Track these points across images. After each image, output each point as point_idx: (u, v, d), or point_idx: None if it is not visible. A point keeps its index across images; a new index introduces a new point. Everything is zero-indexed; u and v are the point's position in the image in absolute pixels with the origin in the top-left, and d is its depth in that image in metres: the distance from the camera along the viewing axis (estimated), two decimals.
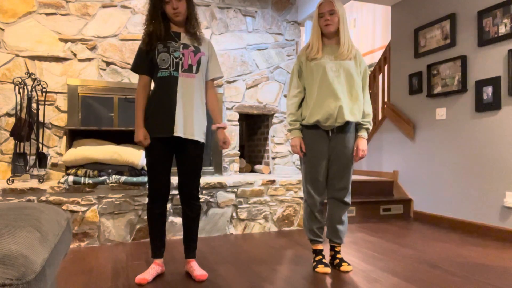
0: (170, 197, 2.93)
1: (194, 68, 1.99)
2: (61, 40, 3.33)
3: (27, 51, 3.23)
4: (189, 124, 1.97)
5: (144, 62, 2.01)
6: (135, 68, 2.04)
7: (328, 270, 2.07)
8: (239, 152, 3.94)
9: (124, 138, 3.13)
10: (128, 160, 2.80)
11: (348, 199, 2.16)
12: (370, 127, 2.18)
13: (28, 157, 3.02)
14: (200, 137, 2.01)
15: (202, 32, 2.09)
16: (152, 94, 2.02)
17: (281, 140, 4.13)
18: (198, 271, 1.99)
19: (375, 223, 3.49)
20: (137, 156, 2.83)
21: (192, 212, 2.06)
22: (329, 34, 2.13)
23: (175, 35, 2.02)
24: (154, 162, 2.00)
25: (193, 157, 2.02)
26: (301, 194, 3.34)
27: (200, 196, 3.03)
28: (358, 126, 2.18)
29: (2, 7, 3.17)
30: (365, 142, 2.16)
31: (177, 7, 1.93)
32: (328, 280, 1.96)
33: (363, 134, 2.15)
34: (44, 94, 3.16)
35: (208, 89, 2.13)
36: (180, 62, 1.96)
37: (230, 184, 3.12)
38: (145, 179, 2.84)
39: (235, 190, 3.14)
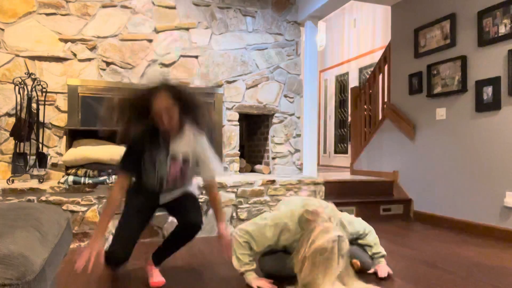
0: None
1: (179, 182, 1.91)
2: (61, 40, 3.33)
3: (27, 51, 3.23)
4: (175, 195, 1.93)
5: (131, 163, 1.81)
6: (123, 167, 1.82)
7: None
8: (239, 152, 3.95)
9: None
10: None
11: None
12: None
13: (28, 157, 3.02)
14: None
15: (202, 130, 1.79)
16: (134, 185, 1.90)
17: (281, 140, 4.13)
18: (155, 278, 1.88)
19: (375, 223, 3.48)
20: None
21: (194, 232, 1.88)
22: None
23: (163, 137, 1.78)
24: (130, 210, 1.87)
25: (185, 197, 1.94)
26: (301, 194, 3.34)
27: (200, 196, 3.03)
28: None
29: (2, 7, 3.17)
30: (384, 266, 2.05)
31: (167, 120, 1.66)
32: None
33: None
34: (44, 94, 3.16)
35: (208, 189, 1.98)
36: (165, 181, 1.85)
37: (230, 184, 3.12)
38: None
39: (235, 190, 3.14)
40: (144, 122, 1.73)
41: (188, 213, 1.88)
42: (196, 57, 3.77)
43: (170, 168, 1.83)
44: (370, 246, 2.08)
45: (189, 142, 1.81)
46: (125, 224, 1.84)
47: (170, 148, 1.81)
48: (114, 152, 2.80)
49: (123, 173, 1.82)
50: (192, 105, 1.72)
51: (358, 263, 2.02)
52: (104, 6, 3.45)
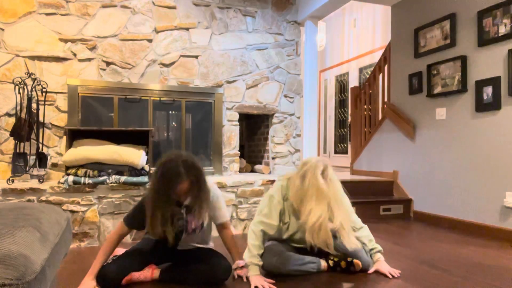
0: None
1: (198, 230, 1.95)
2: (61, 40, 3.33)
3: (27, 51, 3.23)
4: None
5: (139, 221, 1.84)
6: (129, 222, 1.85)
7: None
8: (239, 152, 3.95)
9: (124, 138, 3.13)
10: (128, 160, 2.80)
11: None
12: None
13: (28, 157, 3.02)
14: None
15: (207, 194, 1.84)
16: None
17: (281, 140, 4.13)
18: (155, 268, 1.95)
19: (375, 223, 3.49)
20: (137, 156, 2.83)
21: (224, 277, 1.86)
22: None
23: (176, 201, 1.87)
24: (143, 244, 1.93)
25: (206, 249, 1.98)
26: None
27: None
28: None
29: (2, 7, 3.17)
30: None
31: (184, 199, 1.82)
32: (328, 280, 1.96)
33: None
34: (44, 94, 3.16)
35: (221, 231, 2.02)
36: (184, 229, 1.92)
37: (230, 184, 3.12)
38: (145, 179, 2.84)
39: (235, 190, 3.13)
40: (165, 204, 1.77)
41: (214, 258, 1.89)
42: (196, 57, 3.77)
43: (188, 219, 1.90)
44: (363, 243, 2.07)
45: (201, 197, 1.83)
46: (131, 253, 1.89)
47: (184, 202, 1.87)
48: (114, 152, 2.80)
49: (126, 225, 1.86)
50: (202, 181, 1.81)
51: (360, 263, 2.02)
52: (104, 6, 3.45)
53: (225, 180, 3.18)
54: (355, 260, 2.02)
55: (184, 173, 1.70)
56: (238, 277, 1.95)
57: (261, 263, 1.89)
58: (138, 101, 3.55)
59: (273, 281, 1.84)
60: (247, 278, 1.90)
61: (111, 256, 1.87)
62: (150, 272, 1.89)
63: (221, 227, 2.02)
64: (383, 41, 5.36)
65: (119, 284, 1.79)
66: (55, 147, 3.30)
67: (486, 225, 3.05)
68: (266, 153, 4.24)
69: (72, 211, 2.68)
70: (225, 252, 2.03)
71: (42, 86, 3.10)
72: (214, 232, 2.11)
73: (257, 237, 1.90)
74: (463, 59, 3.24)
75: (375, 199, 3.81)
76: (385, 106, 4.34)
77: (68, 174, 2.74)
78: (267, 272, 1.95)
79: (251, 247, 1.89)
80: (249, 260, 1.87)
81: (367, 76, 5.09)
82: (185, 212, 1.89)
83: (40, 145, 3.11)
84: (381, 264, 2.05)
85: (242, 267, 1.95)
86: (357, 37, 6.04)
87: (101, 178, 2.75)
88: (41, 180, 2.84)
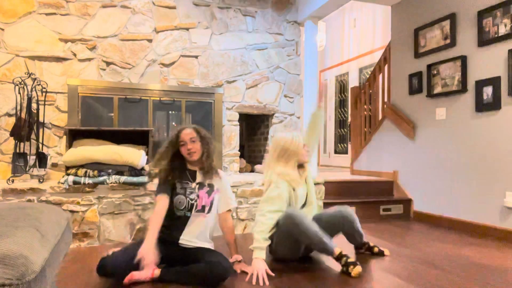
0: None
1: (207, 208, 2.05)
2: (61, 40, 3.33)
3: (27, 51, 3.23)
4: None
5: (166, 188, 2.03)
6: (161, 192, 2.01)
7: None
8: (239, 152, 3.95)
9: (124, 138, 3.13)
10: (128, 160, 2.80)
11: None
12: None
13: (28, 157, 3.02)
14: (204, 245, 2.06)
15: (216, 168, 2.13)
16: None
17: None
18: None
19: (375, 223, 3.49)
20: (137, 156, 2.83)
21: (223, 277, 1.85)
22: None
23: (190, 174, 2.09)
24: (137, 246, 1.93)
25: (208, 249, 2.03)
26: None
27: None
28: None
29: (2, 7, 3.17)
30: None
31: (191, 147, 2.02)
32: (328, 280, 1.96)
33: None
34: (44, 94, 3.16)
35: (223, 221, 2.15)
36: (195, 204, 2.03)
37: (230, 184, 3.12)
38: (145, 179, 2.84)
39: (235, 190, 3.13)
40: (178, 159, 2.08)
41: (214, 258, 1.90)
42: (196, 57, 3.77)
43: (199, 193, 2.05)
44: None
45: (211, 176, 2.12)
46: (130, 247, 1.93)
47: (196, 180, 2.10)
48: (114, 152, 2.80)
49: (161, 195, 2.00)
50: (207, 138, 2.11)
51: (359, 268, 2.00)
52: (104, 6, 3.45)
53: None
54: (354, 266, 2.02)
55: (187, 125, 2.09)
56: (239, 276, 1.95)
57: (268, 242, 2.01)
58: (138, 101, 3.55)
59: (273, 274, 1.86)
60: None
61: (112, 250, 1.89)
62: (150, 272, 1.89)
63: (225, 217, 2.15)
64: (383, 41, 5.36)
65: (119, 276, 1.81)
66: (55, 147, 3.30)
67: (486, 225, 3.05)
68: (266, 153, 4.23)
69: (72, 211, 2.68)
70: (225, 253, 2.03)
71: (42, 86, 3.10)
72: (214, 232, 2.12)
73: (268, 227, 2.05)
74: (463, 59, 3.24)
75: (375, 199, 3.81)
76: (385, 106, 4.34)
77: (68, 174, 2.74)
78: (278, 260, 2.11)
79: (259, 235, 2.00)
80: (256, 245, 1.99)
81: (367, 76, 5.10)
82: (198, 188, 2.05)
83: (40, 145, 3.11)
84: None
85: (240, 261, 2.06)
86: (357, 37, 6.04)
87: (101, 178, 2.75)
88: (41, 180, 2.84)
